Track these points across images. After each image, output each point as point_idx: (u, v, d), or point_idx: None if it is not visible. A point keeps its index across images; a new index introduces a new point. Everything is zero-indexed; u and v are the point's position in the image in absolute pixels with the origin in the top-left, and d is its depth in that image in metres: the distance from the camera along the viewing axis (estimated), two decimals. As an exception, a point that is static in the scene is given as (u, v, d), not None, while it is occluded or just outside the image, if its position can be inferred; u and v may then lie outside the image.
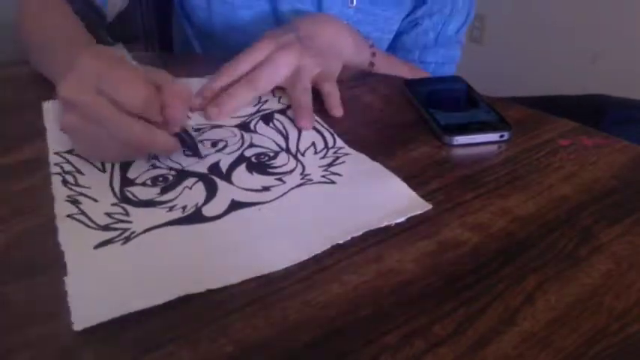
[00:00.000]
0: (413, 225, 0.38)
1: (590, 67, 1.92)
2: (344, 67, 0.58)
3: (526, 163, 0.46)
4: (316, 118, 0.51)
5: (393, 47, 0.79)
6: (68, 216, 0.38)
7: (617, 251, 0.36)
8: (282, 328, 0.30)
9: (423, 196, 0.41)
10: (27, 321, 0.31)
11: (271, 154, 0.46)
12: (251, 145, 0.47)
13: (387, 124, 0.52)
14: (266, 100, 0.55)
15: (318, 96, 0.54)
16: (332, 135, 0.49)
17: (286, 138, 0.49)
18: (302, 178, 0.43)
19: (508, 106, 0.54)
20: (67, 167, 0.43)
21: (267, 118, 0.52)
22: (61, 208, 0.39)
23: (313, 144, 0.48)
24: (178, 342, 0.29)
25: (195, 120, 0.51)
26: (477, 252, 0.36)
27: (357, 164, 0.45)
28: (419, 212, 0.39)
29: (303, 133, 0.49)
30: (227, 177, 0.43)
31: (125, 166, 0.44)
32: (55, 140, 0.47)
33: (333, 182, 0.42)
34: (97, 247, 0.36)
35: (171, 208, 0.39)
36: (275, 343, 0.30)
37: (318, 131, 0.50)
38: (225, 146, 0.47)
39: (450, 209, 0.40)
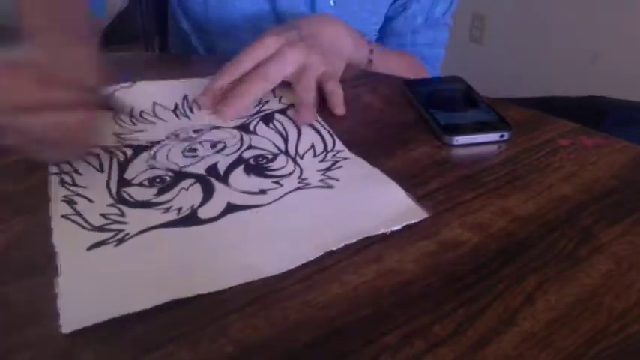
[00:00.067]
0: (413, 225, 0.38)
1: (590, 67, 1.92)
2: (346, 65, 0.58)
3: (526, 163, 0.46)
4: (317, 118, 0.51)
5: (384, 33, 0.81)
6: (63, 217, 0.38)
7: (617, 251, 0.36)
8: (282, 328, 0.30)
9: (423, 196, 0.41)
10: (27, 321, 0.31)
11: (270, 157, 0.46)
12: (250, 147, 0.47)
13: (387, 124, 0.52)
14: (267, 101, 0.55)
15: (319, 95, 0.54)
16: (332, 137, 0.49)
17: (286, 140, 0.48)
18: (299, 182, 0.43)
19: (508, 106, 0.54)
20: (65, 167, 0.43)
21: (268, 119, 0.52)
22: (57, 208, 0.39)
23: (312, 147, 0.48)
24: (178, 342, 0.29)
25: (194, 121, 0.51)
26: (477, 252, 0.36)
27: (355, 169, 0.44)
28: (415, 221, 0.38)
29: (303, 135, 0.49)
30: (224, 179, 0.43)
31: (123, 167, 0.44)
32: None
33: (330, 187, 0.42)
34: (90, 248, 0.35)
35: (166, 210, 0.39)
36: (275, 343, 0.30)
37: (318, 132, 0.50)
38: (224, 148, 0.47)
39: (450, 209, 0.40)
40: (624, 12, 1.81)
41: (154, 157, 0.45)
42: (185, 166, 0.44)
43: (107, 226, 0.37)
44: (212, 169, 0.44)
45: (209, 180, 0.43)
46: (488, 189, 0.42)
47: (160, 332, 0.30)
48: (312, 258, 0.35)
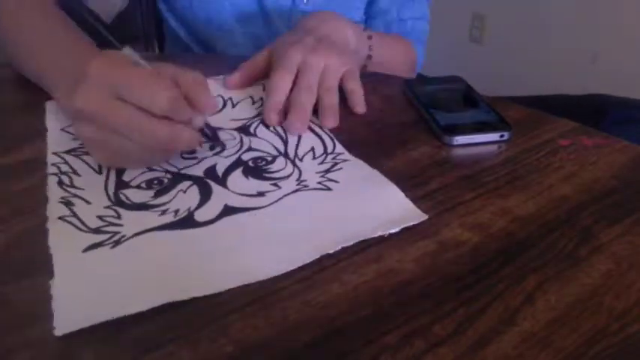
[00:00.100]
0: (413, 225, 0.38)
1: (590, 67, 1.92)
2: None
3: (526, 163, 0.46)
4: (316, 121, 0.51)
5: (370, 14, 0.83)
6: (60, 218, 0.38)
7: (617, 251, 0.36)
8: (282, 328, 0.30)
9: (422, 196, 0.41)
10: (27, 321, 0.31)
11: (269, 159, 0.46)
12: (249, 149, 0.47)
13: (387, 124, 0.52)
14: None
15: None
16: (332, 140, 0.49)
17: (285, 142, 0.48)
18: (298, 184, 0.42)
19: (508, 106, 0.54)
20: (64, 168, 0.43)
21: None
22: (54, 210, 0.39)
23: (312, 149, 0.47)
24: (178, 342, 0.29)
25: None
26: (476, 252, 0.36)
27: (354, 171, 0.44)
28: (413, 223, 0.38)
29: (303, 137, 0.49)
30: (222, 181, 0.43)
31: (121, 168, 0.43)
32: (55, 140, 0.47)
33: (329, 189, 0.42)
34: (85, 250, 0.35)
35: (163, 212, 0.39)
36: (275, 343, 0.30)
37: (318, 135, 0.50)
38: (224, 149, 0.47)
39: (449, 209, 0.40)
40: (624, 12, 1.81)
41: None
42: (183, 168, 0.44)
43: (103, 228, 0.37)
44: (211, 171, 0.44)
45: (207, 182, 0.42)
46: (488, 189, 0.42)
47: (160, 332, 0.30)
48: (309, 261, 0.35)
